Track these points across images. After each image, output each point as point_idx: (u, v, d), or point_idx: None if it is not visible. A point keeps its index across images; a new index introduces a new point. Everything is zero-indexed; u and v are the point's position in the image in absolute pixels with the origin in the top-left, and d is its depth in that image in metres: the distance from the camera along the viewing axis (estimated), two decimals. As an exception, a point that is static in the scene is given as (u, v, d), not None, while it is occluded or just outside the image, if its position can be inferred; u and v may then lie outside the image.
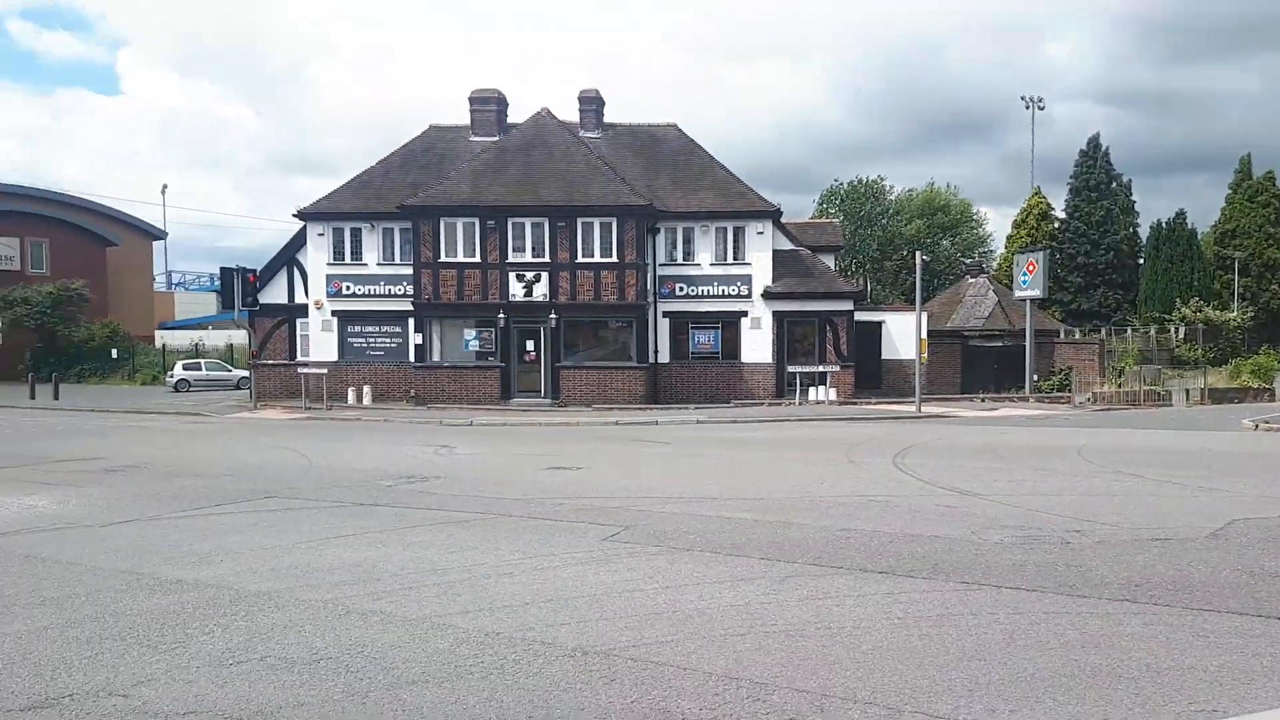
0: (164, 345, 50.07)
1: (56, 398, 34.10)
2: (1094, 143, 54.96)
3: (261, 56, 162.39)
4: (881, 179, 60.79)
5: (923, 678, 5.01)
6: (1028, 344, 31.80)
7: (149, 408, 29.63)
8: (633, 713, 4.55)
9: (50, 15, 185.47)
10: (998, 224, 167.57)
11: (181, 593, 6.88)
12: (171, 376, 40.35)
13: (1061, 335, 39.12)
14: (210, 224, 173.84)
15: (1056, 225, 54.13)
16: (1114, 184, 54.88)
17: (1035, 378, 31.46)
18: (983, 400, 29.81)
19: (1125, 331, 45.64)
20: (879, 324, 31.69)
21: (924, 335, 26.75)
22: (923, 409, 25.35)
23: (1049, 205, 54.85)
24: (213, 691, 4.89)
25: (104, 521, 9.89)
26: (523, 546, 8.34)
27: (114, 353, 47.84)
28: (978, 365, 33.18)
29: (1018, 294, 35.22)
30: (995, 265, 59.30)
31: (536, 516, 9.88)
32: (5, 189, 55.52)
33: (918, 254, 27.27)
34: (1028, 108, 59.01)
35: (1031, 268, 33.25)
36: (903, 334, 30.64)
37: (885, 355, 31.49)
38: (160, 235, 66.78)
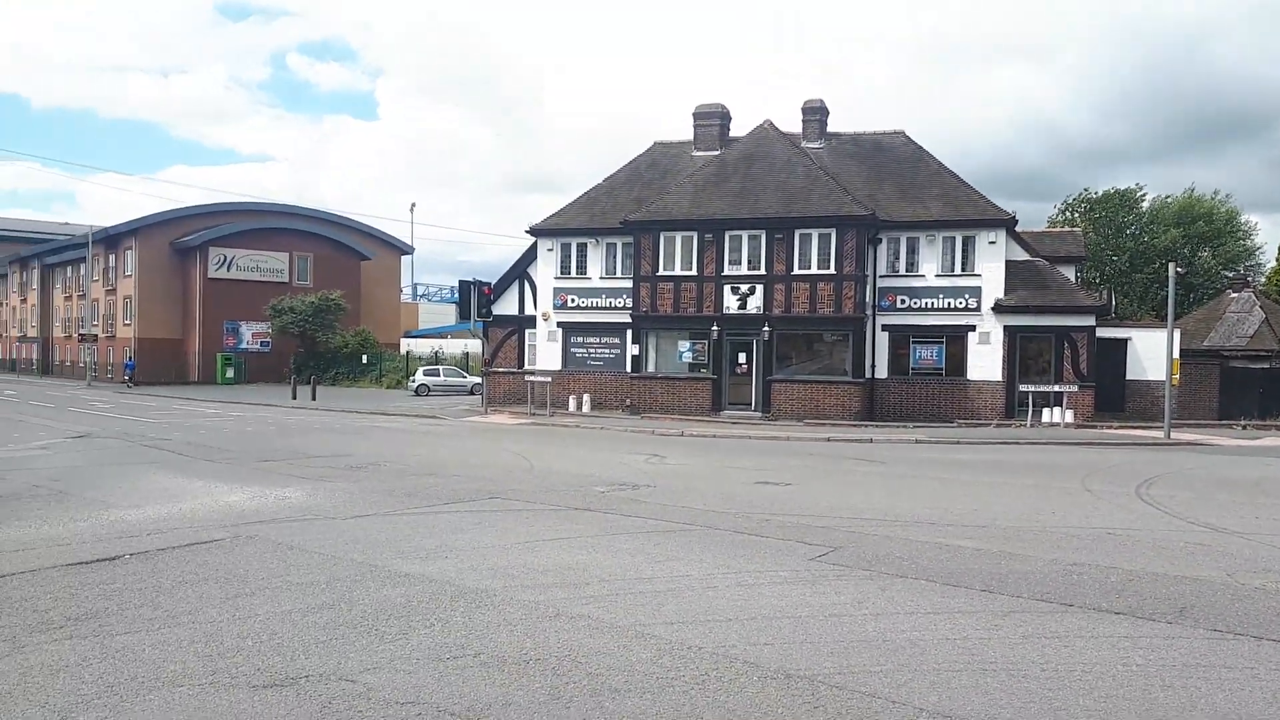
0: (408, 352, 54.07)
1: (314, 398, 37.60)
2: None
3: (501, 82, 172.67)
4: (1138, 187, 56.17)
5: (1165, 736, 4.50)
6: (1304, 366, 28.24)
7: (392, 410, 32.03)
8: (835, 744, 4.37)
9: (323, 49, 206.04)
10: (1269, 233, 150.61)
11: (408, 586, 7.33)
12: (413, 381, 43.44)
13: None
14: (451, 239, 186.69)
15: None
16: None
17: (1313, 404, 27.88)
18: (1244, 428, 26.72)
19: None
20: (1124, 341, 29.18)
21: (1176, 354, 24.34)
22: (1172, 435, 23.06)
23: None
24: (430, 684, 5.15)
25: (345, 515, 10.74)
26: (727, 561, 8.28)
27: (364, 358, 52.19)
28: (1239, 389, 29.78)
29: (1292, 310, 31.39)
30: (1263, 279, 53.20)
31: (743, 531, 9.78)
32: (277, 208, 62.11)
33: (1171, 266, 24.88)
34: (1307, 101, 52.63)
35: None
36: (1151, 352, 28.06)
37: (1130, 375, 28.96)
38: (408, 250, 72.28)
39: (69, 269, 65.22)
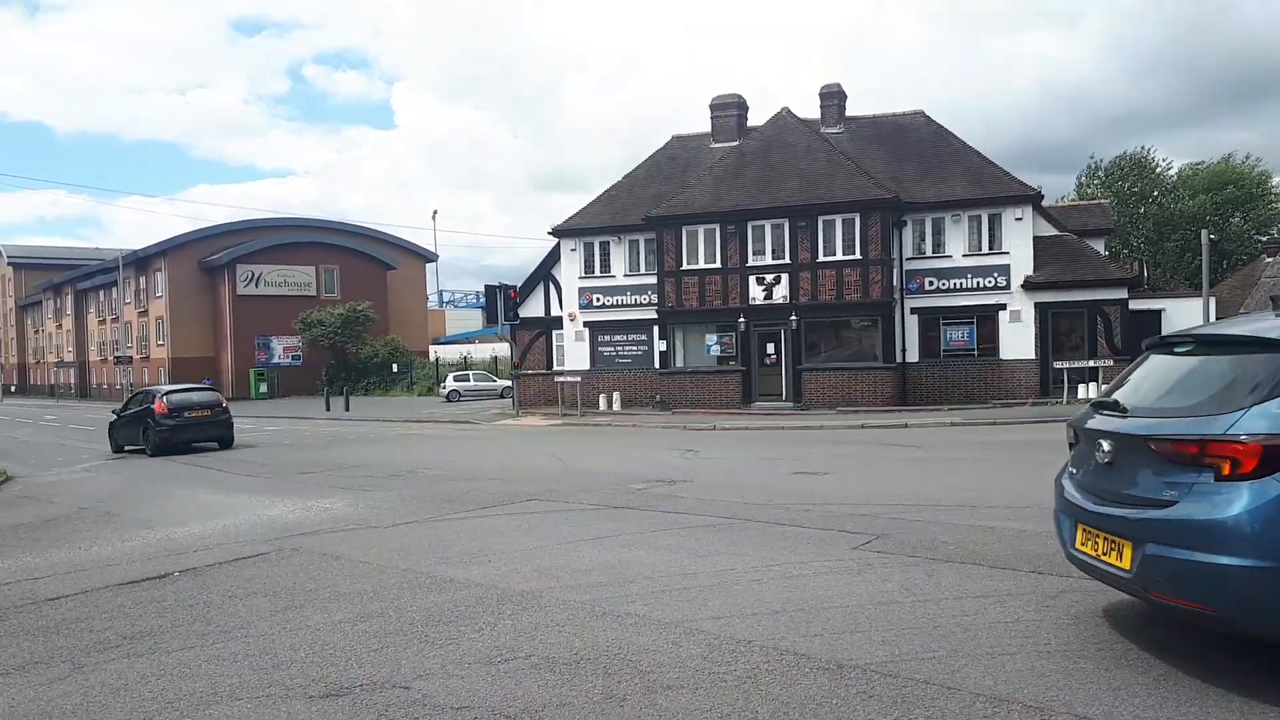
0: (437, 359, 54.44)
1: (347, 409, 37.94)
2: None
3: (518, 80, 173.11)
4: (1147, 148, 55.00)
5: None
6: (1346, 328, 27.67)
7: (425, 416, 32.26)
8: (893, 732, 4.34)
9: (339, 58, 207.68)
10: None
11: (454, 591, 7.37)
12: (444, 388, 43.73)
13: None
14: (474, 244, 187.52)
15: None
16: None
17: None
18: (1289, 394, 26.26)
19: None
20: (1158, 312, 28.81)
21: (1212, 322, 23.96)
22: (1214, 405, 22.70)
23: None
24: (484, 688, 5.18)
25: (387, 523, 10.82)
26: (770, 553, 8.25)
27: (395, 367, 52.60)
28: None
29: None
30: (1299, 241, 52.24)
31: (783, 522, 9.75)
32: (301, 222, 62.76)
33: (1204, 233, 24.50)
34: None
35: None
36: (1186, 322, 27.62)
37: (1166, 347, 28.53)
38: (432, 257, 72.75)
39: (101, 293, 66.26)
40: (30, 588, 8.40)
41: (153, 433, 22.29)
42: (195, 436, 22.86)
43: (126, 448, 23.66)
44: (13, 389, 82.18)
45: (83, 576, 8.74)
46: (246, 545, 9.83)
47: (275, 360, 56.42)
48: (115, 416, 24.85)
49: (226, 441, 23.19)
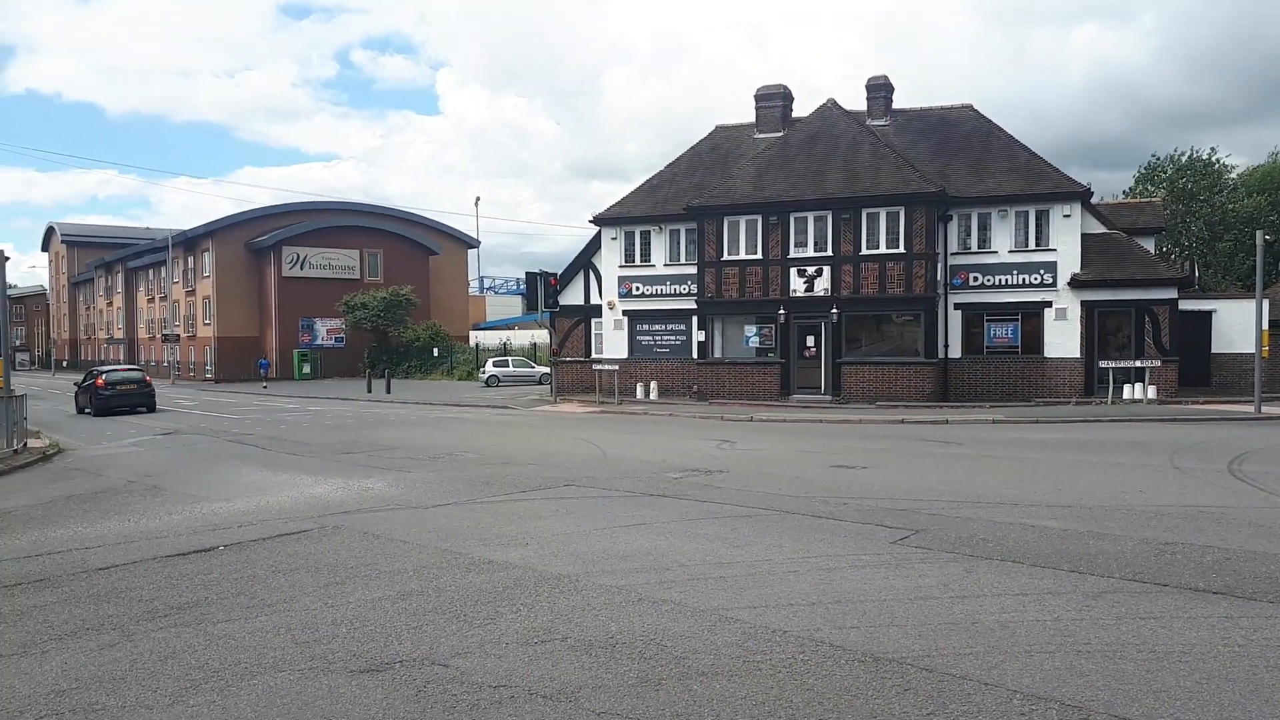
0: (477, 344, 54.80)
1: (389, 391, 38.37)
2: None
3: (562, 69, 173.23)
4: (1212, 151, 53.57)
5: (1271, 714, 4.38)
6: (1405, 334, 26.91)
7: (465, 401, 32.53)
8: (928, 726, 4.33)
9: (385, 42, 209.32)
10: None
11: (492, 572, 7.46)
12: (483, 373, 44.02)
13: None
14: (516, 231, 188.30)
15: None
16: None
17: None
18: (1344, 400, 25.63)
19: None
20: (1208, 314, 28.18)
21: (1265, 325, 23.40)
22: (1263, 409, 22.23)
23: None
24: (521, 667, 5.25)
25: (427, 504, 10.96)
26: (807, 545, 8.24)
27: (435, 351, 53.06)
28: (1336, 359, 28.53)
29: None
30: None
31: (820, 515, 9.72)
32: (346, 206, 63.43)
33: (1259, 233, 23.90)
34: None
35: None
36: (1237, 324, 27.07)
37: (1215, 349, 27.97)
38: (474, 244, 73.18)
39: (150, 272, 67.51)
40: (82, 557, 8.64)
41: (96, 399, 30.46)
42: (125, 403, 30.76)
43: (85, 410, 31.26)
44: (65, 364, 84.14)
45: (131, 547, 8.97)
46: (290, 522, 10.02)
47: (319, 342, 57.16)
48: (77, 388, 33.25)
49: (150, 407, 31.02)
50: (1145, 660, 5.15)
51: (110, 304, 76.64)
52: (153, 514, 10.95)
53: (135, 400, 31.01)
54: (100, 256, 77.16)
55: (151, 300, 67.43)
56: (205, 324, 58.23)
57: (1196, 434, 18.16)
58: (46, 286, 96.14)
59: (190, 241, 59.01)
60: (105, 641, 5.99)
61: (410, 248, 61.05)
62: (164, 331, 60.27)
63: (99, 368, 34.76)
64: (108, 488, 13.42)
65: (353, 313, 53.50)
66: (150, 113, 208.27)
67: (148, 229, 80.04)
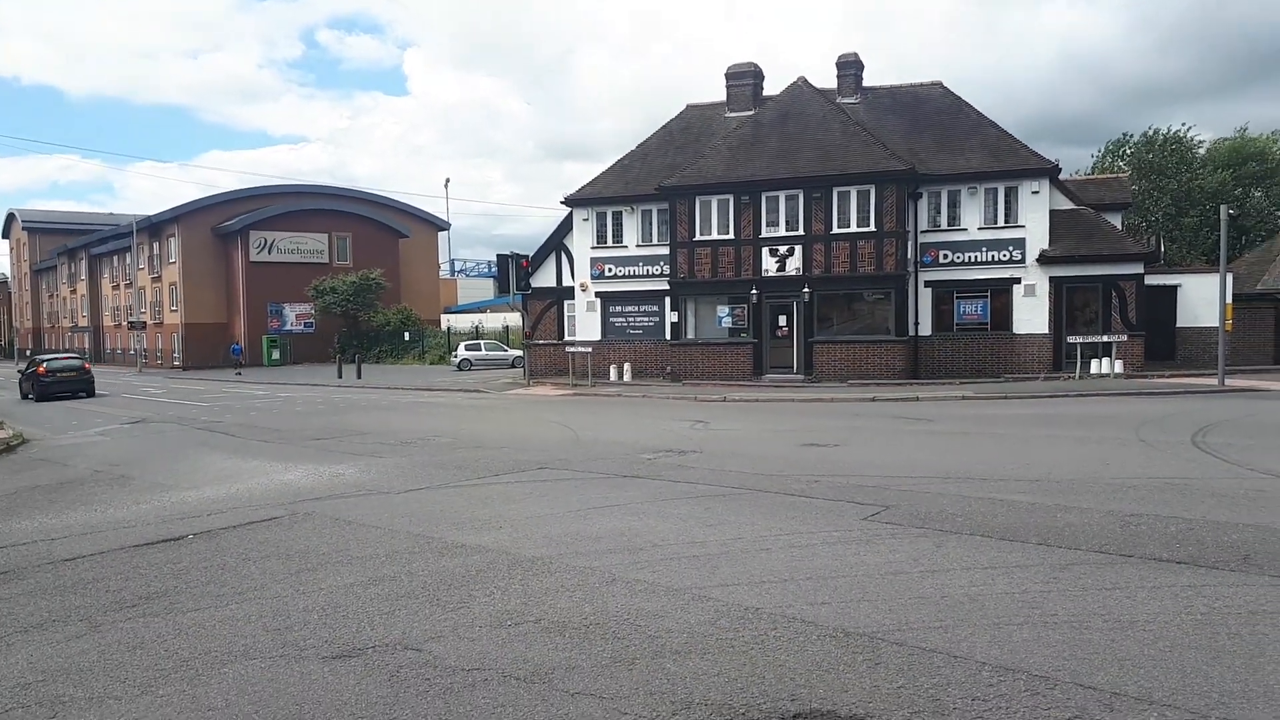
0: (448, 328, 54.52)
1: (359, 376, 38.11)
2: None
3: (532, 48, 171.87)
4: (1185, 127, 53.96)
5: (1232, 681, 4.46)
6: (1364, 306, 27.43)
7: (437, 385, 32.38)
8: (899, 699, 4.38)
9: (351, 22, 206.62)
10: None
11: (465, 556, 7.44)
12: (455, 356, 43.83)
13: None
14: (487, 213, 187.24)
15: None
16: None
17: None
18: (1304, 372, 26.11)
19: None
20: (1173, 288, 28.56)
21: (1229, 300, 23.76)
22: (1226, 382, 22.60)
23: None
24: (494, 650, 5.24)
25: (399, 489, 10.91)
26: (780, 523, 8.29)
27: (406, 335, 52.72)
28: (1296, 332, 29.05)
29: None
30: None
31: (793, 493, 9.78)
32: (314, 189, 62.71)
33: (1223, 208, 24.21)
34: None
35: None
36: (1202, 299, 27.46)
37: (1181, 323, 28.37)
38: (444, 226, 72.62)
39: (115, 258, 66.47)
40: (47, 548, 8.52)
41: (38, 385, 32.43)
42: (66, 389, 32.70)
43: (29, 396, 33.26)
44: (28, 353, 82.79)
45: (98, 538, 8.86)
46: (260, 509, 9.93)
47: (288, 327, 56.62)
48: (20, 375, 35.82)
49: (90, 392, 32.96)
50: (1110, 630, 5.23)
51: (74, 291, 75.45)
52: (120, 504, 10.82)
53: (75, 386, 32.90)
54: (63, 243, 75.84)
55: (116, 287, 66.44)
56: (172, 311, 57.49)
57: (1162, 407, 18.44)
58: (8, 274, 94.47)
59: (155, 227, 58.13)
60: (72, 633, 5.92)
61: (380, 230, 60.50)
62: (130, 319, 59.44)
63: (39, 356, 37.66)
64: (74, 478, 13.24)
65: (322, 297, 53.01)
66: (112, 95, 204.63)
67: (111, 215, 78.73)
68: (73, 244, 73.48)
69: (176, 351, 56.74)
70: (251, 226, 55.22)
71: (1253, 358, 28.25)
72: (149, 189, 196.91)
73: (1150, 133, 53.98)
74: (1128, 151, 54.30)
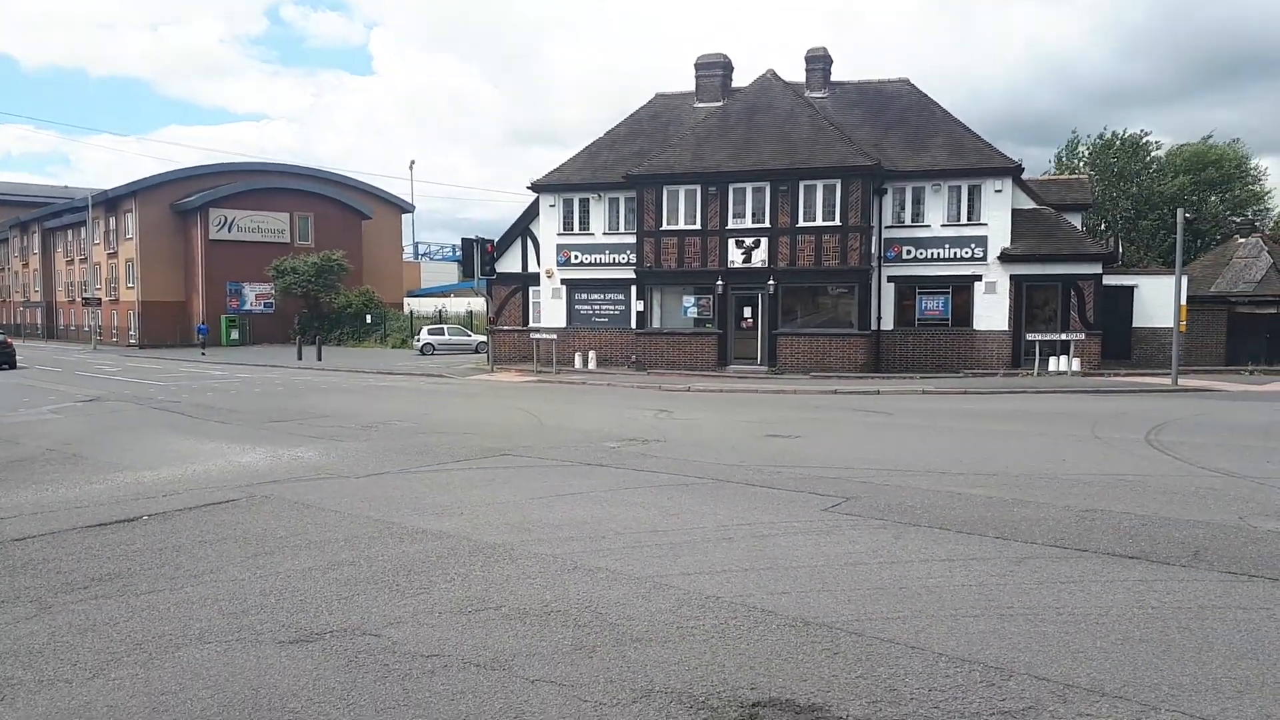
0: (411, 312, 54.00)
1: (320, 359, 37.66)
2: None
3: (502, 32, 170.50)
4: (1143, 133, 54.84)
5: (1182, 674, 4.56)
6: (1312, 311, 28.11)
7: (399, 369, 32.09)
8: (857, 688, 4.42)
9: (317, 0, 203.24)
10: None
11: (426, 542, 7.39)
12: (418, 341, 43.46)
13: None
14: (452, 196, 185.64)
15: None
16: None
17: (1320, 349, 27.79)
18: (1251, 373, 26.73)
19: None
20: (1130, 289, 29.06)
21: (1183, 301, 24.24)
22: (1180, 381, 23.08)
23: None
24: (454, 637, 5.21)
25: (359, 473, 10.80)
26: (741, 513, 8.33)
27: (368, 318, 52.17)
28: (1245, 335, 29.72)
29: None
30: (1272, 224, 52.76)
31: (755, 483, 9.83)
32: (276, 168, 61.68)
33: (1179, 212, 24.67)
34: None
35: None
36: (1158, 300, 27.97)
37: (1137, 323, 28.89)
38: (409, 208, 71.87)
39: (70, 232, 65.00)
40: (-4, 527, 8.32)
41: None
42: None
43: None
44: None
45: (49, 518, 8.68)
46: (216, 491, 9.79)
47: (247, 307, 55.76)
48: None
49: (12, 364, 35.10)
50: (1065, 622, 5.33)
51: (26, 265, 73.72)
52: (72, 483, 10.60)
53: None
54: (16, 216, 74.03)
55: (71, 262, 64.99)
56: (129, 287, 56.35)
57: (1117, 405, 18.78)
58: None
59: (112, 202, 56.89)
60: (20, 615, 5.79)
61: (343, 211, 59.71)
62: (84, 295, 58.21)
63: None
64: (24, 456, 12.94)
65: (283, 277, 52.27)
66: (69, 66, 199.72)
67: (67, 188, 77.04)
68: (25, 216, 71.74)
69: (133, 329, 55.67)
70: (211, 204, 54.24)
71: (1205, 358, 28.86)
72: (106, 162, 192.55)
73: (1106, 135, 54.82)
74: (1085, 151, 55.09)
